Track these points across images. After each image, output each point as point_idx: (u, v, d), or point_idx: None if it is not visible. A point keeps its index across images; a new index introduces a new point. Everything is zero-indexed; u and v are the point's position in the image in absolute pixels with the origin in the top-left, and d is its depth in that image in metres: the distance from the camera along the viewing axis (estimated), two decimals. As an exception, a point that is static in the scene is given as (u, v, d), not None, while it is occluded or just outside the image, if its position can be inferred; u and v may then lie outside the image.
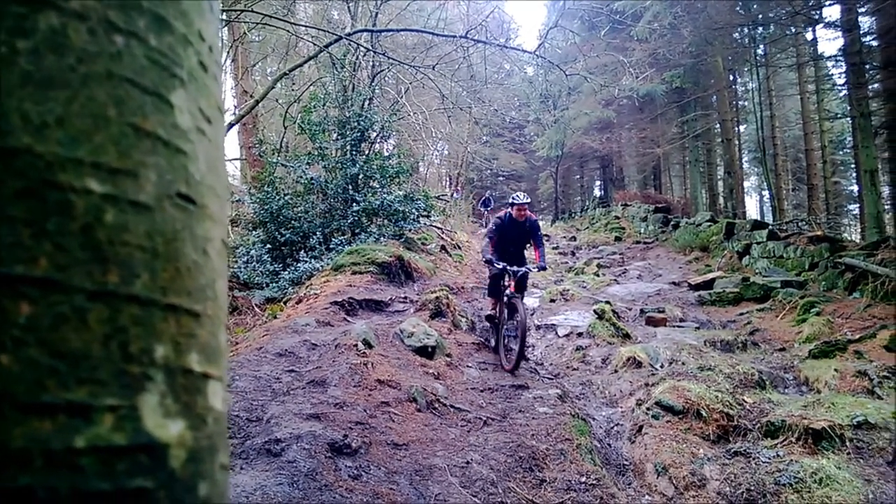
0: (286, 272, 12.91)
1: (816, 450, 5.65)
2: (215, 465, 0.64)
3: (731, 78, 30.92)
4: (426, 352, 7.82)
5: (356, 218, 14.63)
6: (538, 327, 10.96)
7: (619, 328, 10.16)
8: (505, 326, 8.52)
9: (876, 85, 19.24)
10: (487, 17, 14.37)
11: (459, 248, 19.72)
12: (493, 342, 9.16)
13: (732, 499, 5.28)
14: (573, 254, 23.53)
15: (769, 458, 5.69)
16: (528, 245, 9.13)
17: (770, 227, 17.31)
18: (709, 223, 20.59)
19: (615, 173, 44.16)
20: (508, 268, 8.32)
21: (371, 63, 18.09)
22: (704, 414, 6.46)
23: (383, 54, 15.80)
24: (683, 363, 8.06)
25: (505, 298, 8.46)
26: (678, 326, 10.95)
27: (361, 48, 15.97)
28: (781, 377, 8.12)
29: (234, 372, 6.13)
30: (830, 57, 24.99)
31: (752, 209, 47.12)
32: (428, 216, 18.31)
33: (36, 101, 0.50)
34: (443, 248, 17.44)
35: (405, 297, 10.49)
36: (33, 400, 0.47)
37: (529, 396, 7.15)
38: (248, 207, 16.24)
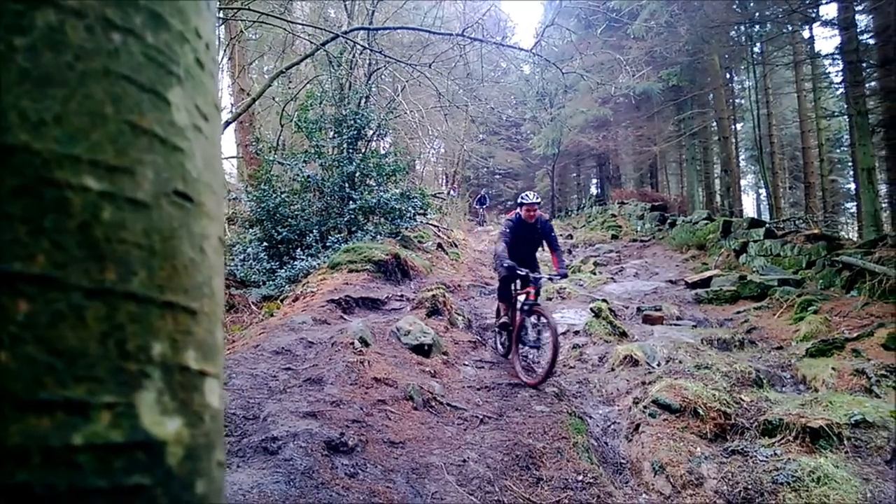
0: (283, 270, 12.91)
1: (814, 448, 5.66)
2: (212, 462, 0.65)
3: (728, 76, 30.95)
4: (423, 350, 7.81)
5: (353, 216, 14.64)
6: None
7: (615, 326, 10.16)
8: (524, 337, 7.87)
9: (873, 83, 19.29)
10: (484, 16, 14.39)
11: (456, 246, 19.73)
12: (499, 347, 8.88)
13: (730, 497, 5.29)
14: (570, 252, 23.50)
15: (767, 457, 5.70)
16: (541, 248, 8.63)
17: (767, 225, 17.32)
18: (706, 221, 20.60)
19: (612, 171, 44.16)
20: (532, 275, 7.76)
21: (368, 61, 18.09)
22: (702, 412, 6.46)
23: (380, 52, 15.77)
24: (680, 361, 8.06)
25: (525, 306, 7.79)
26: (675, 325, 10.96)
27: (358, 46, 15.97)
28: (779, 375, 8.13)
29: (230, 370, 6.12)
30: (827, 55, 25.07)
31: (748, 207, 47.19)
32: (424, 214, 18.33)
33: (33, 99, 0.50)
34: (439, 246, 17.46)
35: (402, 296, 10.49)
36: (31, 397, 0.47)
37: (526, 395, 7.16)
38: (244, 205, 16.23)
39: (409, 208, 15.52)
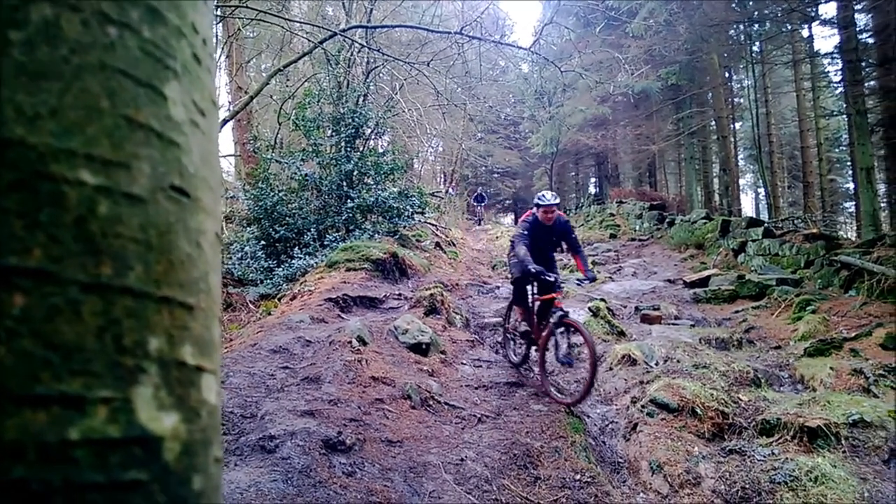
0: (280, 269, 12.89)
1: (812, 448, 5.67)
2: (209, 458, 0.64)
3: (727, 75, 30.94)
4: (420, 349, 7.81)
5: (350, 214, 14.62)
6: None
7: (613, 326, 10.16)
8: (554, 351, 7.28)
9: (872, 82, 19.30)
10: (482, 14, 14.37)
11: (454, 245, 19.73)
12: (512, 355, 8.44)
13: (727, 497, 5.29)
14: (568, 251, 23.45)
15: (764, 457, 5.70)
16: (558, 250, 8.20)
17: (766, 224, 17.32)
18: (704, 220, 20.60)
19: (610, 170, 44.17)
20: (558, 279, 7.34)
21: (366, 59, 18.08)
22: (699, 412, 6.46)
23: (378, 51, 15.77)
24: (678, 361, 8.06)
25: (554, 317, 7.12)
26: (673, 324, 10.96)
27: (356, 44, 15.95)
28: (777, 375, 8.13)
29: (228, 368, 6.12)
30: (826, 54, 25.14)
31: (747, 206, 47.23)
32: (422, 213, 18.29)
33: (29, 93, 0.50)
34: (437, 244, 17.45)
35: (399, 294, 10.49)
36: (27, 392, 0.47)
37: (524, 394, 7.16)
38: (242, 204, 16.21)
39: (407, 207, 15.51)
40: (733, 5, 23.86)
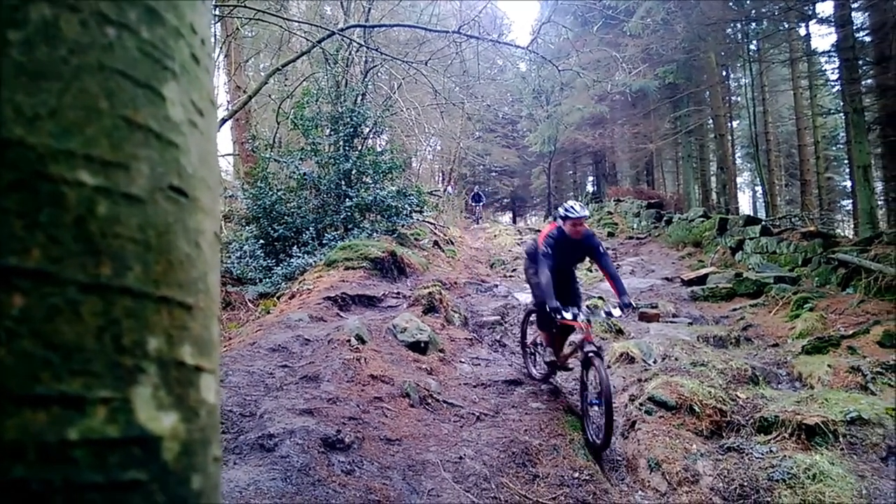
0: (279, 267, 12.90)
1: (810, 445, 5.67)
2: (208, 457, 0.65)
3: (724, 73, 30.94)
4: (419, 347, 7.81)
5: (349, 213, 14.63)
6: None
7: (611, 324, 10.16)
8: (586, 395, 6.37)
9: (869, 80, 19.29)
10: (480, 13, 14.33)
11: (452, 243, 19.73)
12: (533, 369, 7.77)
13: (725, 494, 5.30)
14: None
15: (762, 454, 5.71)
16: (580, 264, 7.51)
17: (763, 222, 17.36)
18: (702, 219, 20.61)
19: (608, 169, 44.18)
20: (582, 315, 6.36)
21: (364, 59, 18.06)
22: (697, 409, 6.47)
23: (376, 50, 15.76)
24: (676, 359, 8.06)
25: (583, 356, 6.24)
26: (671, 322, 10.97)
27: (354, 44, 15.93)
28: (774, 373, 8.13)
29: (227, 367, 6.12)
30: (823, 53, 25.07)
31: (744, 205, 47.22)
32: (421, 212, 18.30)
33: (28, 93, 0.50)
34: (435, 243, 17.46)
35: (398, 293, 10.49)
36: (27, 392, 0.47)
37: (522, 392, 7.17)
38: (240, 203, 16.24)
39: (406, 206, 15.51)
40: (730, 4, 23.87)
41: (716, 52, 26.90)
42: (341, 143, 15.41)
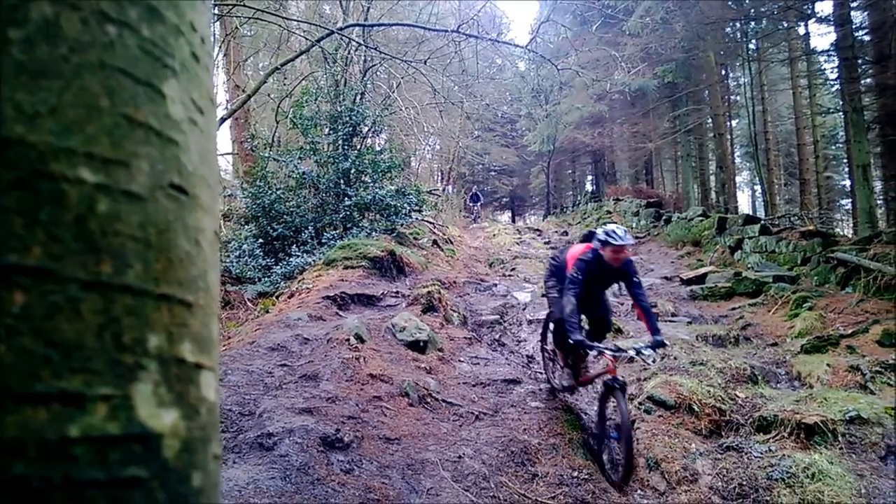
0: (278, 267, 12.89)
1: (809, 445, 5.69)
2: (208, 455, 0.65)
3: (723, 73, 30.92)
4: (418, 346, 7.81)
5: (348, 212, 14.62)
6: (530, 322, 10.94)
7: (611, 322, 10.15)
8: (606, 429, 5.94)
9: (868, 80, 19.28)
10: (479, 12, 14.32)
11: (451, 242, 19.72)
12: (554, 378, 7.31)
13: (724, 493, 5.31)
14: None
15: (761, 453, 5.72)
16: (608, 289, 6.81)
17: (762, 221, 17.33)
18: (701, 218, 20.58)
19: (607, 168, 44.13)
20: (611, 352, 5.86)
21: (363, 58, 18.06)
22: (696, 409, 6.48)
23: (375, 49, 15.75)
24: (675, 358, 8.06)
25: (605, 388, 5.85)
26: (670, 321, 10.96)
27: (353, 43, 15.92)
28: (774, 372, 8.14)
29: (226, 366, 6.12)
30: (823, 52, 25.05)
31: (744, 204, 47.24)
32: (420, 211, 18.29)
33: (29, 91, 0.50)
34: (434, 242, 17.44)
35: (397, 292, 10.49)
36: (27, 389, 0.48)
37: (521, 391, 7.17)
38: (240, 202, 16.22)
39: (405, 205, 15.50)
40: (729, 3, 23.87)
41: (715, 51, 26.90)
42: (340, 142, 15.41)
